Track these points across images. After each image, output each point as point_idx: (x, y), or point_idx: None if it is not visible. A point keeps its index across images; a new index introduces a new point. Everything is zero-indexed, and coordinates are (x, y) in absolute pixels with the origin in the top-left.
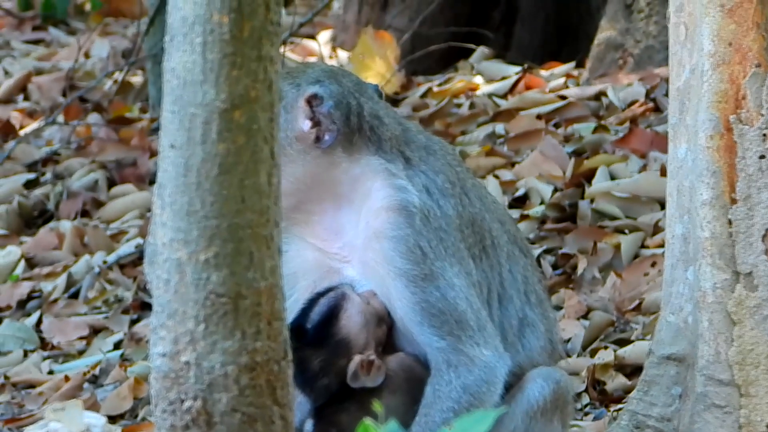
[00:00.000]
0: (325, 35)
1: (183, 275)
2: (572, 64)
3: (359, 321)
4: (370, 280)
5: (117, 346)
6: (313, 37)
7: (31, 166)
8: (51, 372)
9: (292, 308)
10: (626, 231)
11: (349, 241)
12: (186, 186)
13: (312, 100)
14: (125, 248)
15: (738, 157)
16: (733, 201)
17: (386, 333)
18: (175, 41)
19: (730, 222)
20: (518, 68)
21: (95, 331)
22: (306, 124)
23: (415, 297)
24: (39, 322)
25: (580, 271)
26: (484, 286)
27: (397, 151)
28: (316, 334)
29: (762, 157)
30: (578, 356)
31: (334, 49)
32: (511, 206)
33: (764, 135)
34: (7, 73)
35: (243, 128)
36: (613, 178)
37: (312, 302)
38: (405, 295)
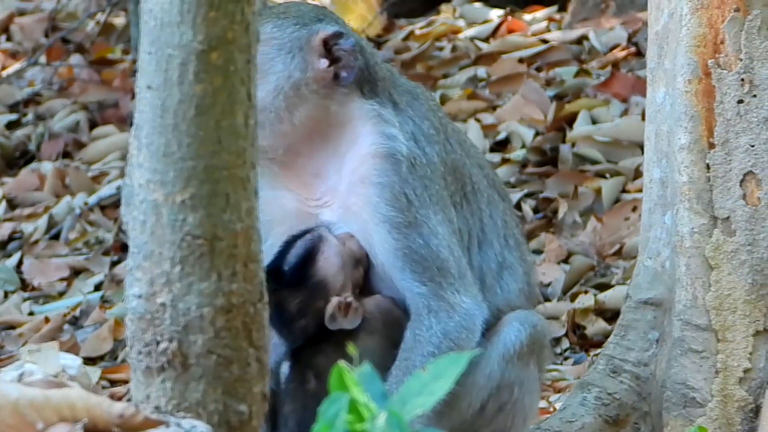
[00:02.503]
0: None
1: (159, 217)
2: (555, 7)
3: (336, 263)
4: (352, 225)
5: (97, 287)
6: None
7: (12, 107)
8: (31, 313)
9: (267, 252)
10: (607, 175)
11: (332, 185)
12: (162, 127)
13: (330, 39)
14: (106, 190)
15: (716, 101)
16: (711, 145)
17: (363, 275)
18: None
19: (708, 166)
20: (501, 12)
21: (76, 272)
22: (323, 63)
23: (398, 243)
24: (20, 263)
25: (560, 215)
26: (465, 232)
27: (387, 94)
28: (293, 276)
29: (740, 101)
30: (558, 300)
31: None
32: (492, 150)
33: (742, 79)
34: None
35: (220, 69)
36: (594, 122)
37: (289, 244)
38: (388, 240)
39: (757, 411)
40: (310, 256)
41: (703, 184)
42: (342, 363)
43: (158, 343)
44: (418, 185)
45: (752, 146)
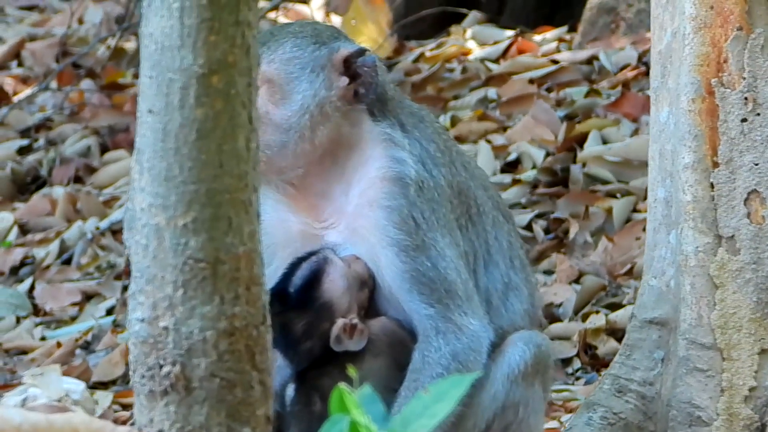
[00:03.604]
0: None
1: (161, 240)
2: (565, 28)
3: (342, 284)
4: (359, 247)
5: (109, 312)
6: (305, 1)
7: (24, 133)
8: (43, 338)
9: (273, 275)
10: (618, 195)
11: (338, 207)
12: (164, 151)
13: (351, 57)
14: (118, 214)
15: (720, 120)
16: (715, 164)
17: (368, 297)
18: (153, 6)
19: (712, 185)
20: (511, 33)
21: (87, 297)
22: (344, 80)
23: (405, 266)
24: (32, 288)
25: (571, 235)
26: (470, 253)
27: (395, 115)
28: (299, 298)
29: (744, 120)
30: (570, 321)
31: (327, 14)
32: (503, 171)
33: (746, 98)
34: (0, 39)
35: (221, 93)
36: (605, 142)
37: (294, 266)
38: (395, 263)
39: (763, 429)
40: (315, 278)
41: (707, 203)
42: (343, 385)
43: (161, 366)
44: (426, 208)
45: (756, 165)
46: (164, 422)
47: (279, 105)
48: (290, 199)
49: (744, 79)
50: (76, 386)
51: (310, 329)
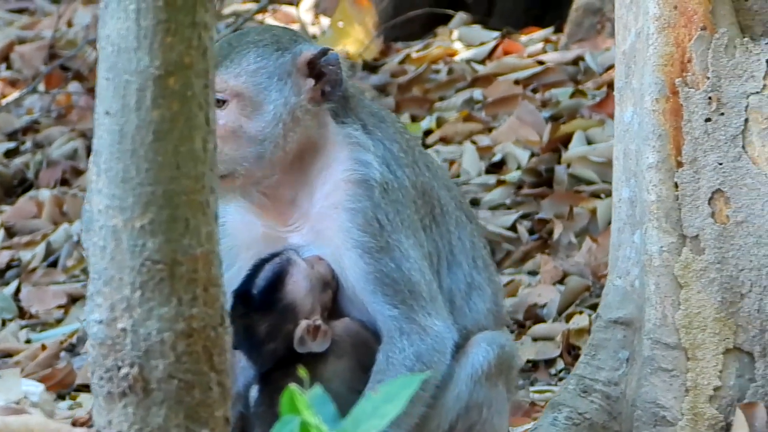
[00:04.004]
0: (308, 1)
1: (119, 242)
2: (551, 29)
3: (305, 286)
4: (323, 249)
5: None
6: (292, 3)
7: (11, 135)
8: (29, 341)
9: (235, 277)
10: (602, 196)
11: (304, 211)
12: (121, 153)
13: (315, 58)
14: None
15: (684, 120)
16: (680, 164)
17: (332, 298)
18: (110, 8)
19: (676, 185)
20: (497, 34)
21: (73, 299)
22: (310, 82)
23: (369, 267)
24: (17, 290)
25: (556, 236)
26: (434, 254)
27: (357, 115)
28: (262, 300)
29: (708, 120)
30: (553, 321)
31: (316, 15)
32: (488, 171)
33: (710, 98)
34: None
35: (177, 95)
36: (589, 142)
37: (257, 268)
38: (359, 265)
39: (727, 429)
40: (278, 279)
41: (671, 203)
42: (293, 386)
43: (119, 368)
44: (390, 210)
45: (720, 164)
46: (123, 424)
47: (252, 118)
48: (259, 208)
49: (708, 78)
50: (35, 388)
51: (274, 331)
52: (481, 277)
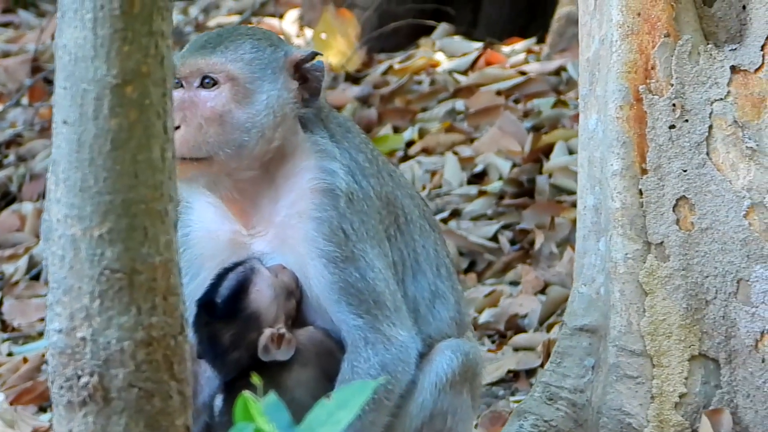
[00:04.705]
0: (293, 14)
1: (78, 251)
2: (533, 39)
3: (269, 294)
4: (287, 257)
5: None
6: (275, 15)
7: None
8: (10, 354)
9: (200, 287)
10: None
11: (266, 216)
12: (79, 162)
13: (303, 62)
14: None
15: (648, 127)
16: (644, 171)
17: (296, 307)
18: (66, 17)
19: (640, 192)
20: (480, 44)
21: None
22: (294, 84)
23: (334, 277)
24: (0, 304)
25: (537, 246)
26: (399, 263)
27: (324, 125)
28: (226, 309)
29: (672, 126)
30: (534, 331)
31: (301, 27)
32: (469, 182)
33: (674, 105)
34: None
35: (135, 103)
36: (571, 152)
37: (221, 277)
38: (324, 274)
39: None
40: (242, 288)
41: (636, 210)
42: (247, 393)
43: (79, 377)
44: (355, 220)
45: (684, 171)
46: None
47: (243, 104)
48: (224, 203)
49: (672, 85)
50: None
51: (238, 339)
52: (444, 286)
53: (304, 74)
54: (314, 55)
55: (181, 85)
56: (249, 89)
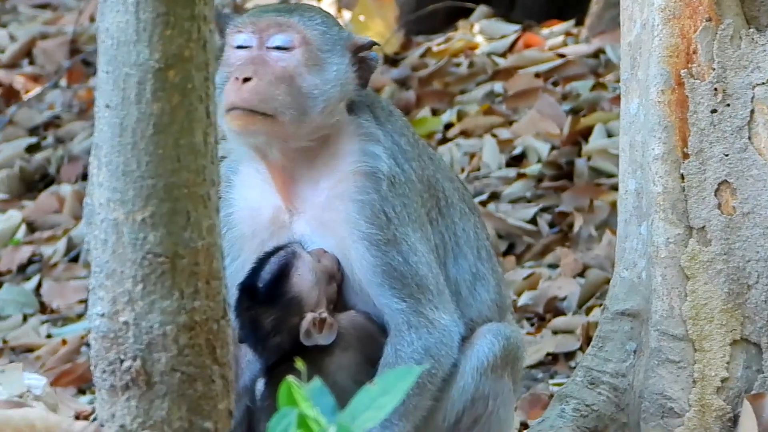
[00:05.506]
0: None
1: (120, 235)
2: (572, 22)
3: (310, 279)
4: (328, 240)
5: None
6: None
7: (32, 131)
8: (49, 336)
9: (241, 267)
10: None
11: (308, 195)
12: (121, 146)
13: (363, 48)
14: None
15: (690, 111)
16: (686, 155)
17: (337, 291)
18: (109, 1)
19: (682, 176)
20: (518, 27)
21: None
22: (353, 68)
23: (376, 260)
24: (39, 285)
25: (576, 229)
26: (440, 246)
27: (370, 109)
28: (268, 293)
29: (713, 111)
30: (573, 314)
31: (339, 10)
32: (508, 165)
33: (715, 89)
34: (12, 37)
35: (177, 87)
36: (610, 135)
37: (262, 261)
38: (366, 257)
39: (735, 420)
40: (283, 272)
41: (677, 194)
42: (291, 378)
43: (122, 361)
44: (397, 203)
45: (726, 155)
46: (126, 417)
47: (312, 71)
48: (270, 171)
49: (713, 69)
50: (37, 382)
51: (279, 324)
52: (485, 268)
53: (361, 60)
54: (372, 44)
55: (246, 44)
56: (321, 58)
